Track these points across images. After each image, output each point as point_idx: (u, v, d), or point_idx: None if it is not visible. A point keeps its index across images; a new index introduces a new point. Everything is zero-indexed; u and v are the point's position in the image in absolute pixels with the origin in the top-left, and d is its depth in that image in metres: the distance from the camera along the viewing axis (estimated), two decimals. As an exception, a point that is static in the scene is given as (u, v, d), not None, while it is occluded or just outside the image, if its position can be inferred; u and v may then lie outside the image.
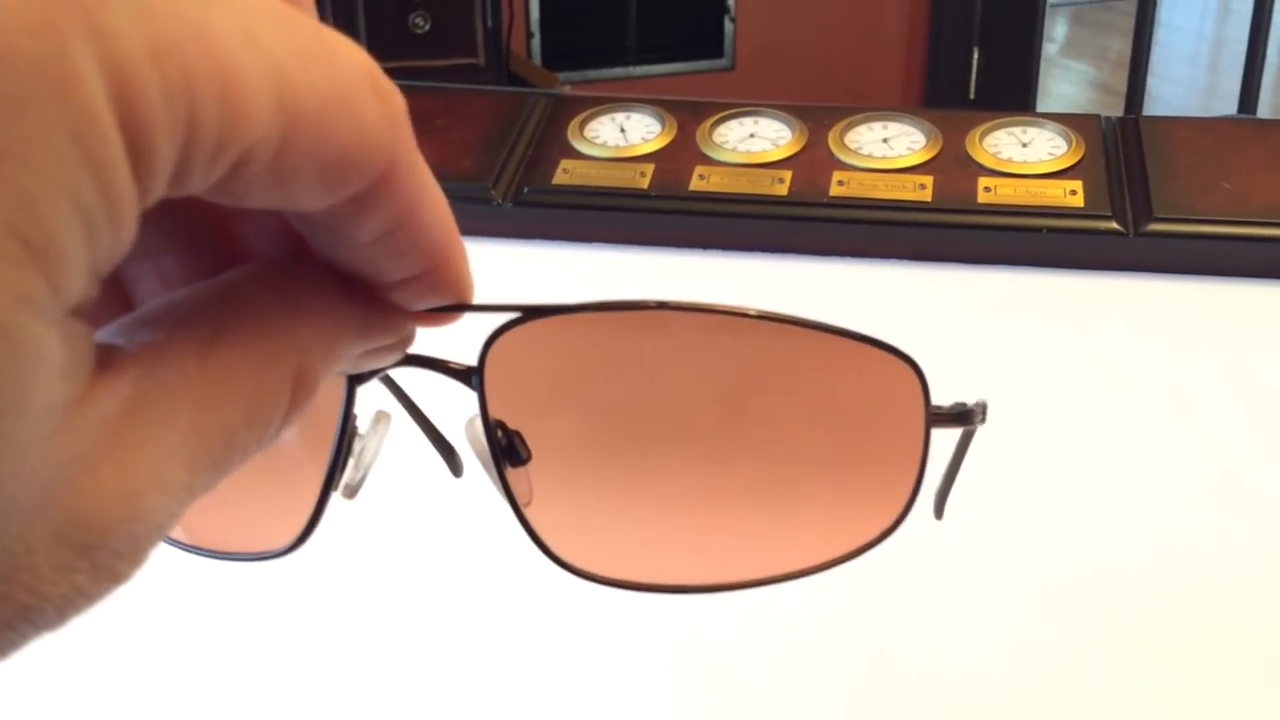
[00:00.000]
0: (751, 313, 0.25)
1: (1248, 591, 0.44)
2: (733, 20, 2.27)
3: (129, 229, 0.15)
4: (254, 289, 0.19)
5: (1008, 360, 0.56)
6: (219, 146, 0.15)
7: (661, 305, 0.25)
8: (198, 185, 0.16)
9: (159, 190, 0.15)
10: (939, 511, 0.29)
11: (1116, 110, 2.10)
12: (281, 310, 0.19)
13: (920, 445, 0.27)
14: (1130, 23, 2.04)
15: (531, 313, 0.24)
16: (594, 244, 0.65)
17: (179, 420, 0.16)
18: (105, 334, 0.17)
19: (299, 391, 0.19)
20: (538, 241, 0.65)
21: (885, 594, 0.43)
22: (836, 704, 0.40)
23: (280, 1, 0.16)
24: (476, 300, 0.22)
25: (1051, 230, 0.61)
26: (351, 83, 0.17)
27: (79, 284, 0.14)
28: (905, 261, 0.63)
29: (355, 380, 0.25)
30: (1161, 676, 0.40)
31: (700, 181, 0.64)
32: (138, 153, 0.14)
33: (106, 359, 0.16)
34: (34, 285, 0.14)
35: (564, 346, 0.26)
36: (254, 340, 0.18)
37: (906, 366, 0.26)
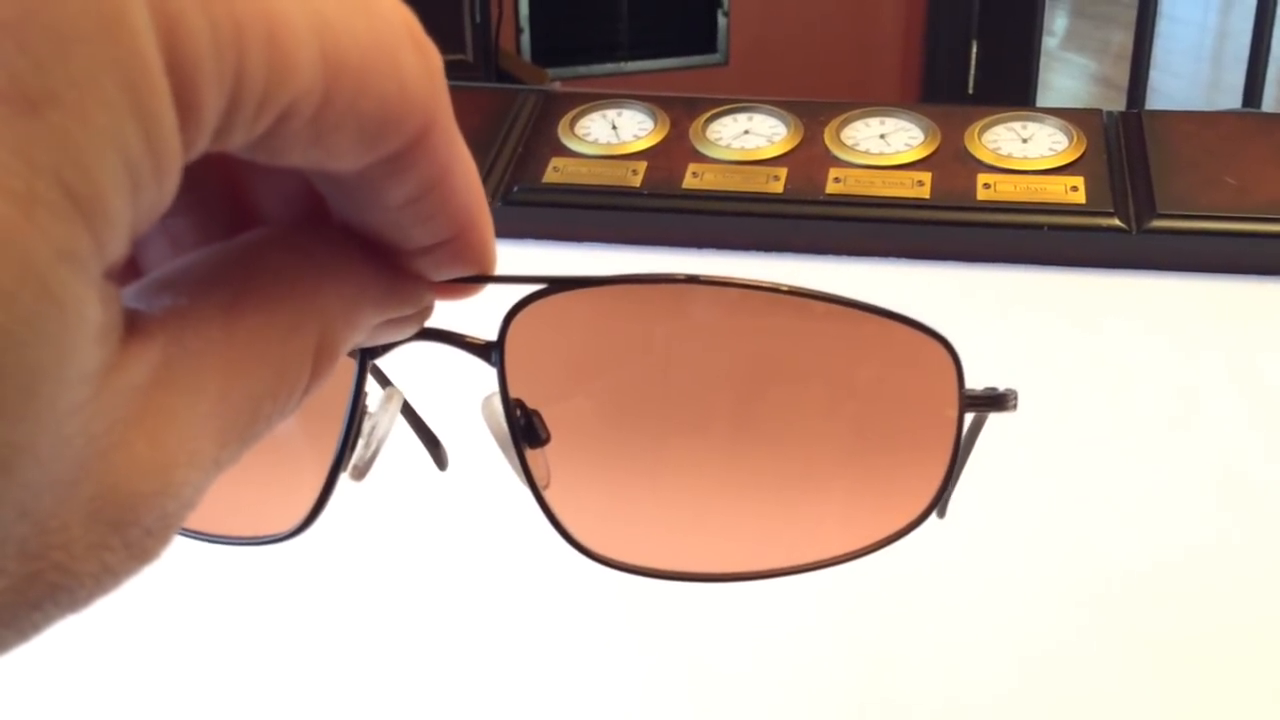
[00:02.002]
0: (784, 288, 0.24)
1: (1255, 591, 0.43)
2: (726, 14, 2.26)
3: (172, 184, 0.14)
4: (275, 252, 0.18)
5: (1008, 360, 0.55)
6: (264, 99, 0.15)
7: (692, 279, 0.24)
8: (239, 140, 0.15)
9: (203, 144, 0.15)
10: (942, 510, 0.28)
11: (1118, 105, 2.09)
12: (304, 275, 0.18)
13: (953, 429, 0.26)
14: (1132, 15, 2.03)
15: (558, 284, 0.24)
16: (585, 243, 0.64)
17: (207, 389, 0.16)
18: (123, 298, 0.16)
19: (320, 360, 0.18)
20: (527, 241, 0.64)
21: (889, 600, 0.43)
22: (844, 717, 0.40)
23: None
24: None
25: (1052, 227, 0.60)
26: (392, 35, 0.16)
27: (120, 242, 0.14)
28: (903, 260, 0.62)
29: (368, 355, 0.24)
30: (1171, 679, 0.40)
31: (694, 179, 0.63)
32: (185, 103, 0.14)
33: (132, 324, 0.15)
34: (78, 241, 0.13)
35: (586, 322, 0.26)
36: (277, 305, 0.17)
37: (940, 347, 0.25)
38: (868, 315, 0.25)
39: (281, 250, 0.18)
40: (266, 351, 0.17)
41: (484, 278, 0.21)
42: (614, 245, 0.64)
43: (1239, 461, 0.49)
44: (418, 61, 0.17)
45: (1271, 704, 0.40)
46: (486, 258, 0.20)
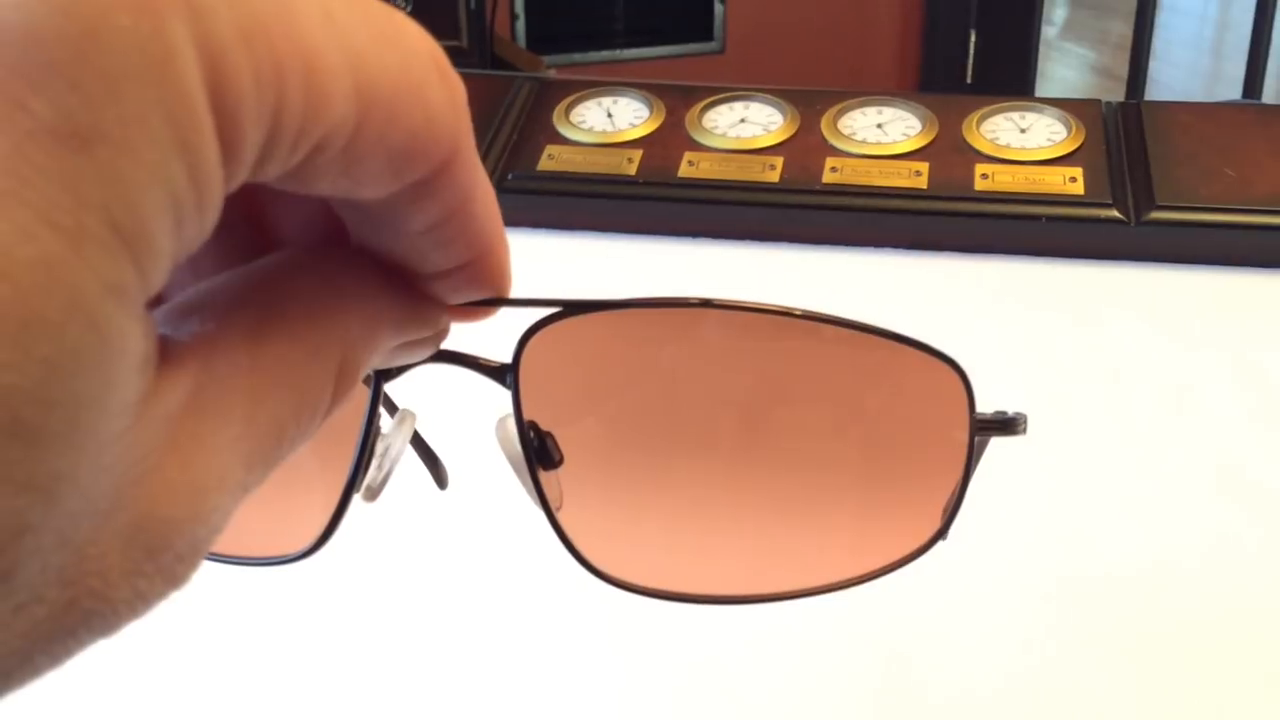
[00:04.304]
0: (797, 312, 0.25)
1: (1254, 588, 0.43)
2: (723, 2, 2.25)
3: (213, 217, 0.15)
4: (297, 276, 0.18)
5: (1005, 352, 0.55)
6: (301, 132, 0.15)
7: (705, 303, 0.24)
8: (275, 172, 0.15)
9: (242, 177, 0.15)
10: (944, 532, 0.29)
11: (1117, 95, 2.08)
12: (325, 298, 0.18)
13: (964, 454, 0.26)
14: (1131, 5, 2.02)
15: (572, 308, 0.24)
16: (580, 231, 0.64)
17: (235, 415, 0.16)
18: None
19: (341, 383, 0.18)
20: (522, 229, 0.64)
21: (891, 598, 0.43)
22: (851, 714, 0.39)
23: None
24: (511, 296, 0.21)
25: (1051, 218, 0.60)
26: (420, 67, 0.17)
27: (162, 274, 0.14)
28: (900, 250, 0.62)
29: (383, 377, 0.24)
30: (1169, 674, 0.40)
31: (689, 168, 0.63)
32: (227, 139, 0.14)
33: (163, 351, 0.15)
34: (124, 275, 0.13)
35: (600, 344, 0.26)
36: (300, 330, 0.18)
37: (952, 372, 0.26)
38: (880, 339, 0.25)
39: (303, 274, 0.18)
40: (290, 375, 0.17)
41: (499, 301, 0.21)
42: (609, 234, 0.63)
43: (1237, 455, 0.49)
44: (443, 92, 0.17)
45: (1271, 700, 0.39)
46: (503, 281, 0.21)
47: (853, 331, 0.25)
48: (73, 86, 0.13)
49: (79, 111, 0.13)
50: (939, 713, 0.39)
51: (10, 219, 0.12)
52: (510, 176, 0.63)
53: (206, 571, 0.25)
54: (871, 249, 0.62)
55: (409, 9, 1.69)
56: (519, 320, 0.24)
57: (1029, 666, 0.41)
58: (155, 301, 0.17)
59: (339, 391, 0.18)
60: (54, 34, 0.13)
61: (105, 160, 0.13)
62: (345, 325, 0.18)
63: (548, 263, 0.62)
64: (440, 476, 0.30)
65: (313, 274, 0.19)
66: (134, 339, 0.14)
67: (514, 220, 0.64)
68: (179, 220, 0.14)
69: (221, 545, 0.25)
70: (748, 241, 0.63)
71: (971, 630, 0.42)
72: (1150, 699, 0.40)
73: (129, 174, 0.13)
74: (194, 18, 0.13)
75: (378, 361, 0.20)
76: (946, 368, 0.26)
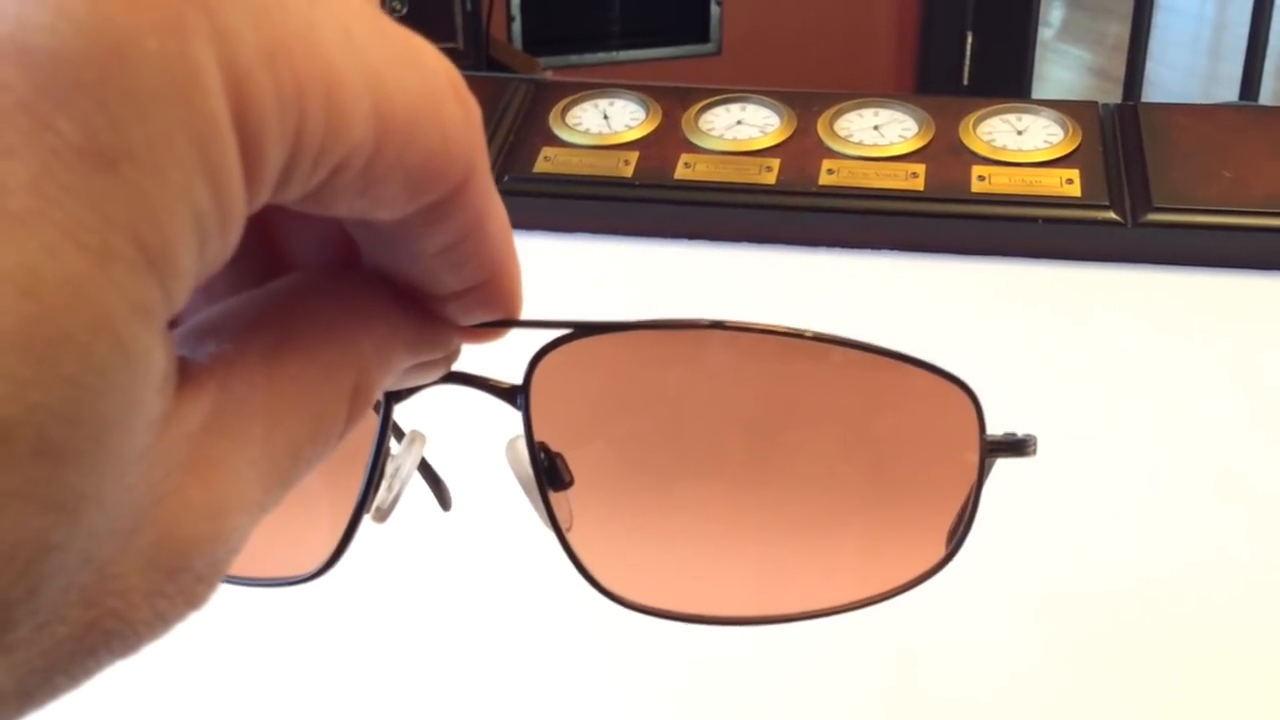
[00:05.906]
0: (809, 334, 0.24)
1: (1252, 593, 0.43)
2: (719, 4, 2.25)
3: (235, 237, 0.15)
4: (313, 297, 0.19)
5: (1002, 354, 0.55)
6: (322, 152, 0.15)
7: (716, 324, 0.24)
8: (295, 193, 0.15)
9: (264, 197, 0.15)
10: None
11: (1114, 97, 2.08)
12: (341, 319, 0.18)
13: (973, 475, 0.26)
14: (1128, 6, 2.02)
15: (583, 329, 0.24)
16: (576, 234, 0.64)
17: (253, 435, 0.16)
18: None
19: (356, 404, 0.18)
20: (518, 231, 0.63)
21: (897, 602, 0.43)
22: (859, 717, 0.39)
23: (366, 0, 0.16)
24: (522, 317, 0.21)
25: (1047, 220, 0.60)
26: (437, 87, 0.17)
27: (185, 294, 0.14)
28: (896, 252, 0.62)
29: (393, 398, 0.24)
30: (1167, 678, 0.40)
31: (686, 170, 0.63)
32: (250, 159, 0.14)
33: (182, 371, 0.15)
34: (150, 295, 0.13)
35: (611, 365, 0.26)
36: (316, 350, 0.18)
37: (963, 394, 0.26)
38: (892, 361, 0.25)
39: (317, 296, 0.19)
40: (307, 396, 0.17)
41: (511, 322, 0.21)
42: (605, 236, 0.63)
43: (1235, 458, 0.49)
44: (459, 112, 0.17)
45: (1272, 709, 0.39)
46: (514, 303, 0.21)
47: (864, 353, 0.25)
48: (100, 106, 0.13)
49: (105, 131, 0.13)
50: (946, 716, 0.39)
51: (37, 238, 0.12)
52: (506, 179, 0.63)
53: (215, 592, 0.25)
54: (868, 251, 0.62)
55: (404, 11, 1.69)
56: (530, 341, 0.24)
57: (1033, 669, 0.41)
58: (170, 325, 0.17)
59: (354, 413, 0.18)
60: (81, 54, 0.13)
61: (131, 180, 0.13)
62: (360, 346, 0.18)
63: (544, 266, 0.61)
64: (444, 498, 0.30)
65: (327, 295, 0.19)
66: (157, 358, 0.14)
67: (510, 223, 0.64)
68: (203, 240, 0.14)
69: (234, 566, 0.26)
70: (744, 244, 0.63)
71: (975, 634, 0.42)
72: (1153, 704, 0.39)
73: (155, 194, 0.13)
74: (219, 39, 0.14)
75: (390, 383, 0.20)
76: (957, 389, 0.26)
